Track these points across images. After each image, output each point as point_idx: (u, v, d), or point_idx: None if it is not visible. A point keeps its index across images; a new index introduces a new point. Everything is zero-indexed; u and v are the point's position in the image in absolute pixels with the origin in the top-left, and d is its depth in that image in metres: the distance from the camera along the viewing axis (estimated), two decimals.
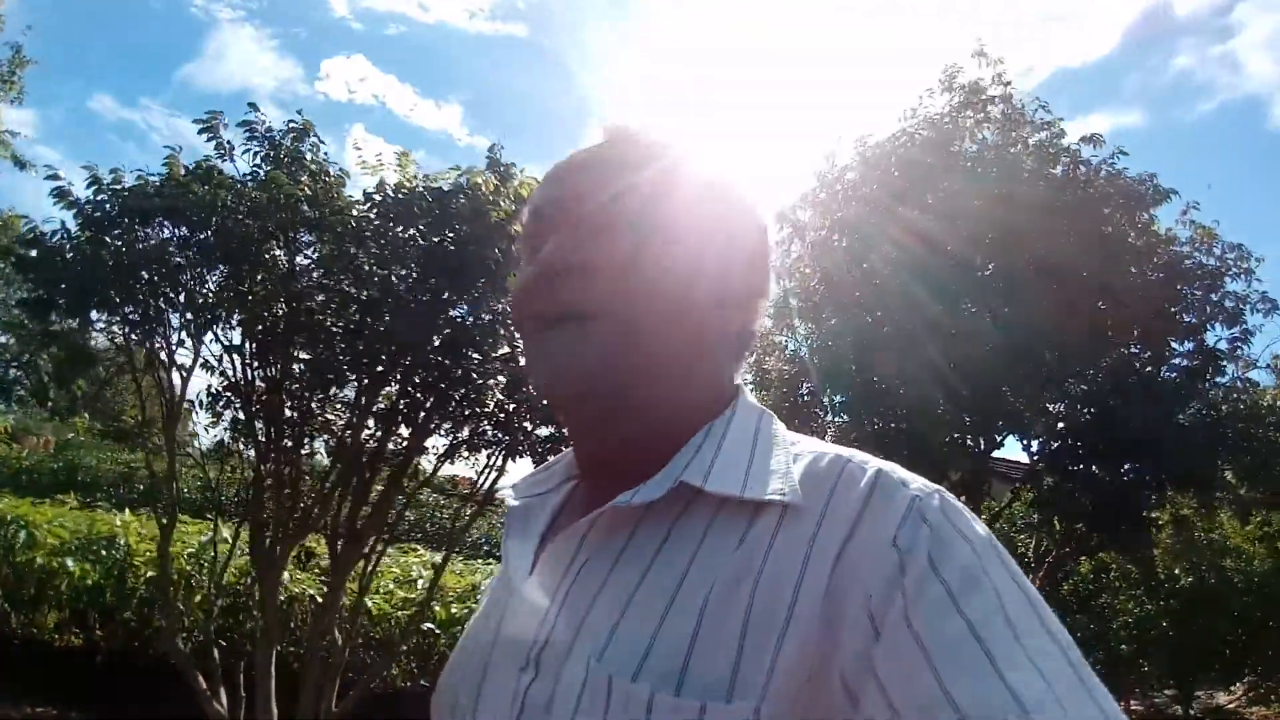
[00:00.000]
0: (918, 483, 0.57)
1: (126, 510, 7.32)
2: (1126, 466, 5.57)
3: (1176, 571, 7.94)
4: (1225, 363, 6.11)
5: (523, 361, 0.76)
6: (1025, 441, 5.80)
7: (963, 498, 5.93)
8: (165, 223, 3.54)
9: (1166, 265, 6.04)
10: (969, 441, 5.55)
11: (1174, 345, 6.01)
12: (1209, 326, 6.03)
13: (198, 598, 5.74)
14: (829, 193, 5.54)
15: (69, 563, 5.68)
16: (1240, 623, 7.90)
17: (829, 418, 6.04)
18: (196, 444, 5.80)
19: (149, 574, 5.78)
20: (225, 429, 4.49)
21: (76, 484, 10.73)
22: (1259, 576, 7.85)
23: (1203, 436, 5.72)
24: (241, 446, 4.48)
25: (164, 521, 4.04)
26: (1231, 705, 8.56)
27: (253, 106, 3.41)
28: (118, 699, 5.35)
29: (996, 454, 6.01)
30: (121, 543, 5.96)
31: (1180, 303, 5.99)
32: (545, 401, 0.78)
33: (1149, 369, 5.84)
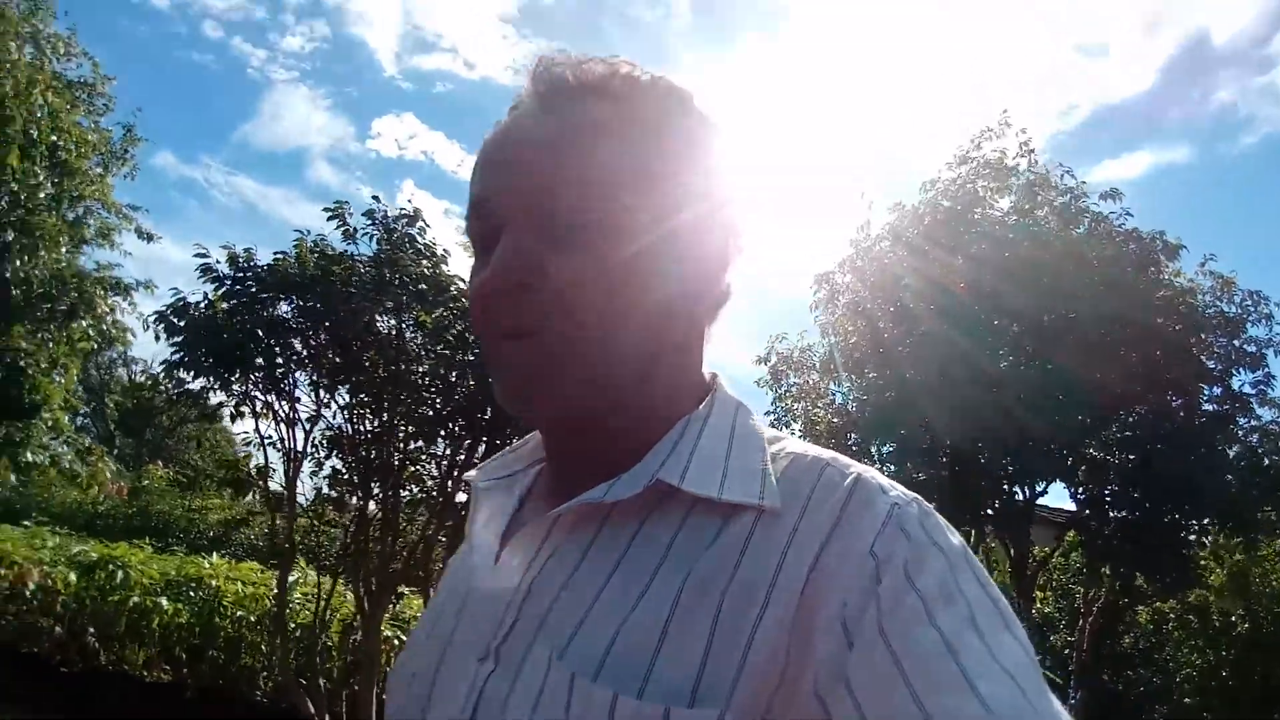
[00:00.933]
0: (896, 491, 0.56)
1: (214, 555, 7.82)
2: (1168, 509, 5.78)
3: (1233, 619, 7.89)
4: (1254, 405, 6.35)
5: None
6: (1070, 488, 6.03)
7: (1008, 542, 6.15)
8: (293, 296, 4.07)
9: (1186, 315, 6.34)
10: (1011, 489, 5.81)
11: (1204, 390, 6.26)
12: (1234, 372, 6.30)
13: (278, 640, 6.16)
14: (864, 259, 6.00)
15: (163, 602, 6.00)
16: None
17: (879, 469, 6.33)
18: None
19: (236, 613, 6.20)
20: (324, 479, 4.96)
21: (150, 529, 10.95)
22: None
23: (1240, 478, 5.92)
24: (335, 494, 4.95)
25: (281, 565, 4.47)
26: None
27: (376, 199, 3.98)
28: None
29: (1040, 501, 6.23)
30: (210, 584, 6.28)
31: (1204, 350, 6.26)
32: (513, 414, 0.64)
33: (1182, 414, 6.08)
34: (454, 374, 4.26)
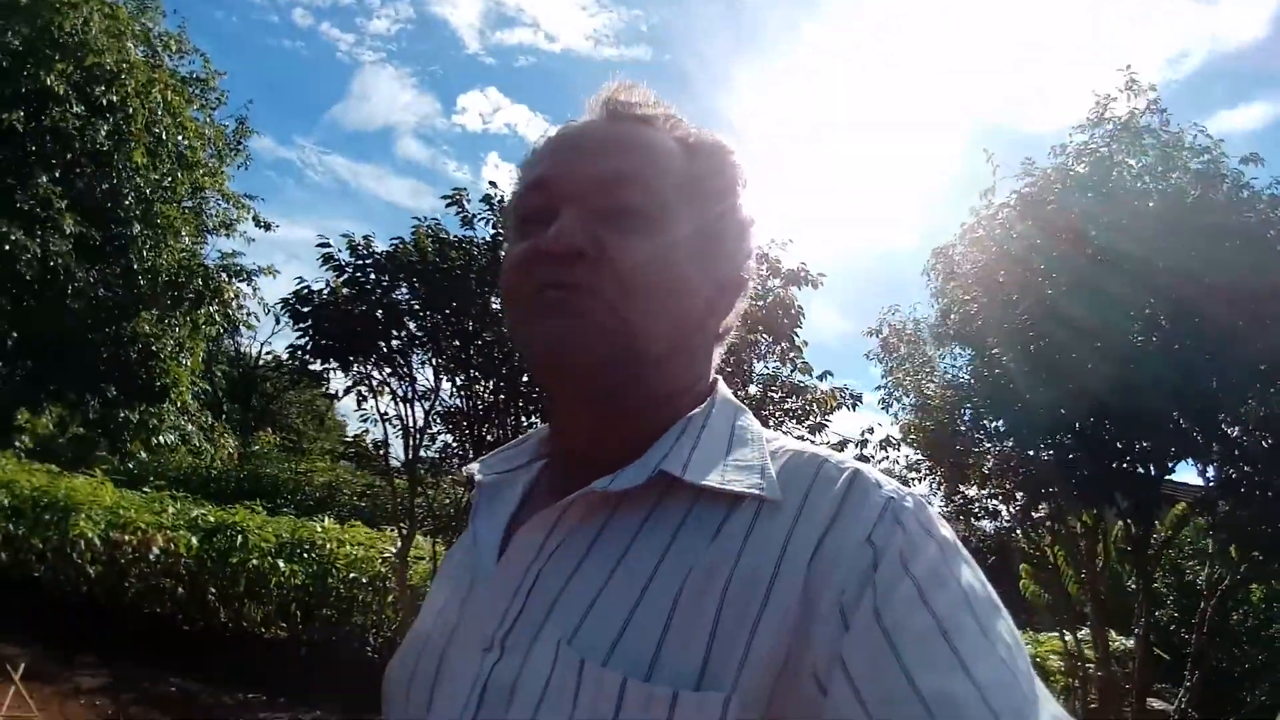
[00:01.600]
0: (891, 484, 0.58)
1: (325, 518, 8.10)
2: None
3: None
4: None
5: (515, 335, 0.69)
6: (1201, 466, 5.66)
7: (1131, 524, 5.83)
8: (413, 281, 4.18)
9: None
10: (1139, 469, 5.49)
11: None
12: None
13: (390, 596, 6.40)
14: (986, 229, 5.70)
15: (280, 563, 6.39)
16: None
17: (991, 445, 6.09)
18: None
19: (349, 575, 6.45)
20: (435, 452, 5.11)
21: (260, 491, 11.59)
22: None
23: None
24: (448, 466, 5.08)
25: (404, 532, 4.65)
26: None
27: (493, 185, 4.01)
28: (317, 687, 5.91)
29: (1169, 478, 5.88)
30: (323, 546, 6.62)
31: None
32: (543, 372, 0.64)
33: None
34: None
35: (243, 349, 24.93)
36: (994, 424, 5.75)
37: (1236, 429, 5.69)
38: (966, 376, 5.90)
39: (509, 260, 0.68)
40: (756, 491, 0.58)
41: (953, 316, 5.63)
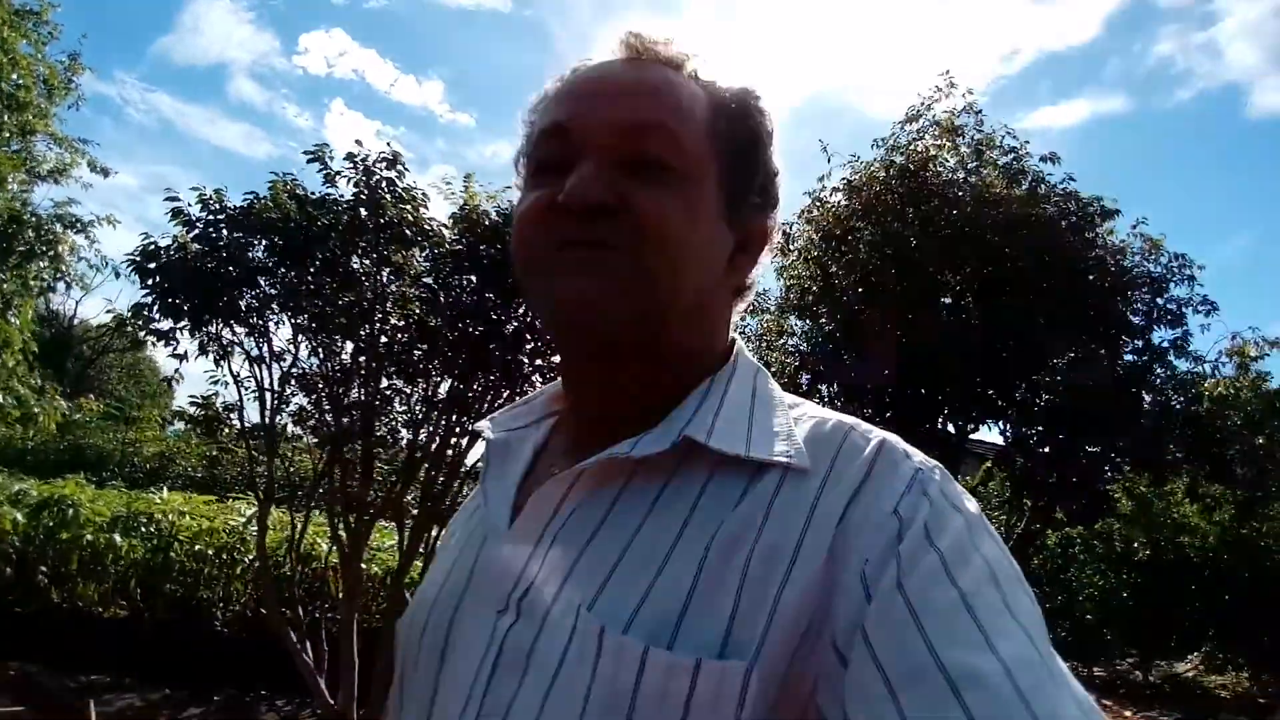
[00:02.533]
0: (919, 456, 0.57)
1: (162, 490, 7.68)
2: (1086, 447, 6.33)
3: (1135, 545, 8.69)
4: (1171, 358, 6.91)
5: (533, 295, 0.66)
6: (1001, 426, 6.54)
7: None
8: (272, 238, 4.10)
9: (1116, 273, 6.81)
10: (948, 427, 6.28)
11: (1126, 343, 6.79)
12: (1155, 327, 6.83)
13: (239, 569, 6.22)
14: (820, 211, 6.28)
15: (116, 538, 6.01)
16: (1197, 595, 8.45)
17: (827, 406, 6.74)
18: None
19: (194, 547, 6.16)
20: (289, 415, 5.02)
21: (84, 463, 10.86)
22: (1212, 551, 8.47)
23: (1153, 422, 6.49)
24: (300, 432, 5.03)
25: (261, 500, 4.59)
26: (1189, 673, 9.05)
27: (358, 143, 4.02)
28: (164, 666, 5.70)
29: (972, 436, 6.74)
30: (164, 519, 6.33)
31: (1129, 306, 6.77)
32: (564, 331, 0.63)
33: (1105, 363, 6.59)
34: (432, 318, 4.39)
35: (54, 306, 22.52)
36: (829, 389, 6.38)
37: (1029, 392, 6.60)
38: (804, 345, 6.50)
39: (522, 211, 0.64)
40: (784, 459, 0.56)
41: (791, 293, 6.20)
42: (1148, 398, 6.80)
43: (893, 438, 0.58)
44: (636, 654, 0.51)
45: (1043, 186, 6.87)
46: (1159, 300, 6.90)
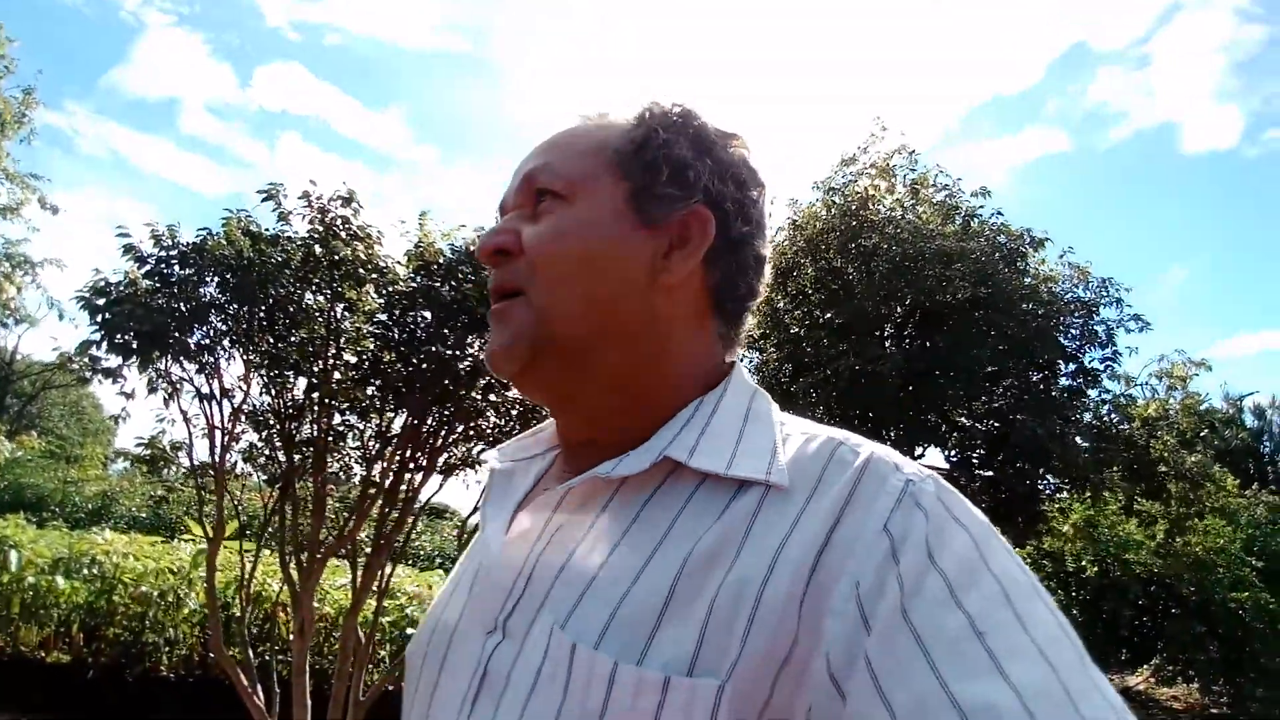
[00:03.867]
0: (911, 467, 0.54)
1: (105, 530, 7.49)
2: (1025, 469, 6.59)
3: (1084, 564, 8.97)
4: (1103, 379, 7.28)
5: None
6: (943, 451, 6.79)
7: None
8: (225, 275, 4.15)
9: (1048, 300, 7.18)
10: None
11: (1060, 366, 7.14)
12: (1087, 350, 7.19)
13: (185, 611, 6.11)
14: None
15: (59, 580, 5.86)
16: (1144, 611, 8.66)
17: None
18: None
19: (141, 589, 5.98)
20: (239, 453, 5.00)
21: (23, 503, 10.56)
22: (1157, 568, 8.68)
23: (1089, 442, 6.80)
24: (250, 470, 5.01)
25: (210, 537, 4.53)
26: (1141, 687, 9.25)
27: (313, 182, 4.12)
28: (109, 712, 5.55)
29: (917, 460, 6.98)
30: (108, 560, 6.17)
31: (1062, 330, 7.13)
32: (496, 377, 0.74)
33: (1041, 387, 6.91)
34: (386, 354, 4.45)
35: None
36: None
37: (969, 418, 6.88)
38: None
39: None
40: (763, 477, 0.55)
41: None
42: (1086, 417, 7.13)
43: (882, 450, 0.56)
44: (606, 670, 0.50)
45: (975, 221, 7.25)
46: (1089, 323, 7.28)
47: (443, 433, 4.73)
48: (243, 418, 4.58)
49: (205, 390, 4.38)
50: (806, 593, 0.49)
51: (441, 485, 4.94)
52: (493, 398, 4.66)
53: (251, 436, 4.85)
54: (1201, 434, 7.91)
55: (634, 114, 0.67)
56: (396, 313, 4.41)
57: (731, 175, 0.66)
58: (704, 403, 0.62)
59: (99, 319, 4.20)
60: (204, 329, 4.11)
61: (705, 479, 0.57)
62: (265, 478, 5.09)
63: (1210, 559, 8.22)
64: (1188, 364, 7.88)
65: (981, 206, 7.21)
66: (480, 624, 0.60)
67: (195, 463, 4.67)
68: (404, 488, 4.81)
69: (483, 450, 4.84)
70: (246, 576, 4.88)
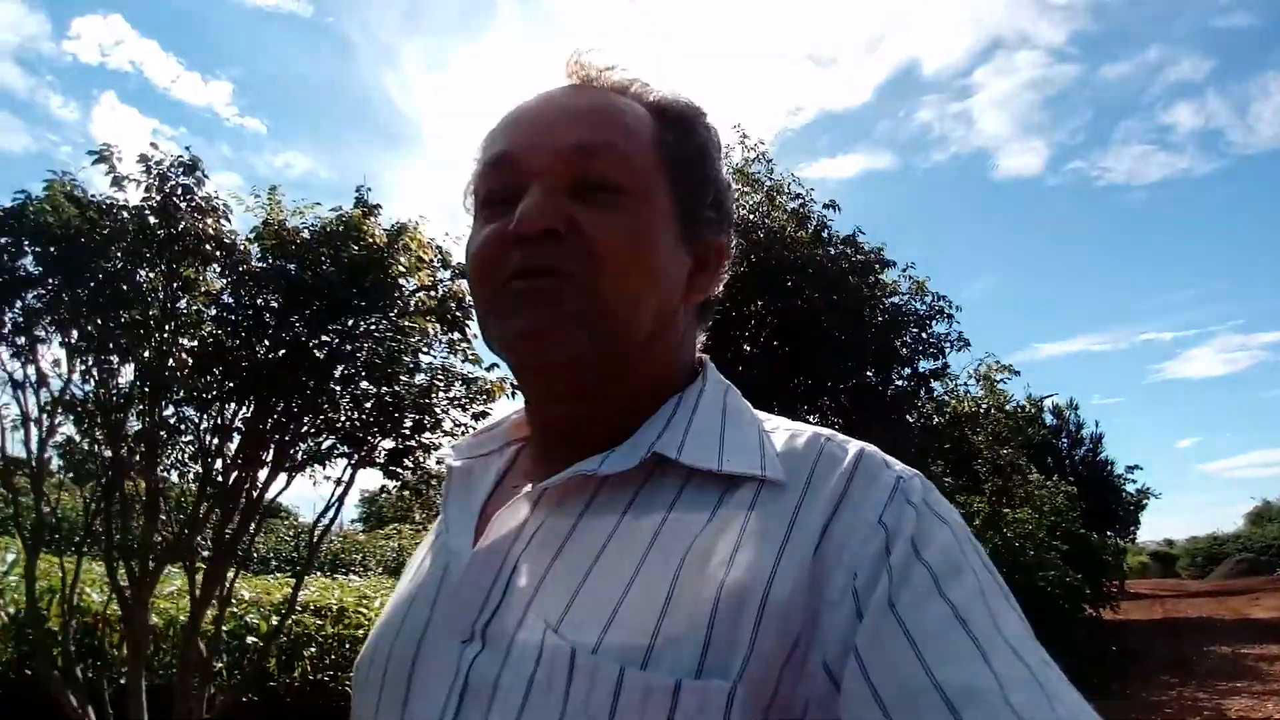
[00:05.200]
0: (899, 465, 0.56)
1: None
2: None
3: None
4: (934, 384, 8.02)
5: (481, 326, 0.64)
6: None
7: None
8: (48, 246, 3.70)
9: (890, 311, 7.80)
10: None
11: (897, 370, 7.78)
12: (920, 357, 7.89)
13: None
14: None
15: None
16: None
17: None
18: None
19: None
20: (55, 448, 4.51)
21: None
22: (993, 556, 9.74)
23: (919, 438, 7.46)
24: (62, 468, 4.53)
25: (29, 545, 4.03)
26: None
27: (154, 145, 3.77)
28: None
29: None
30: None
31: (900, 339, 7.78)
32: (521, 371, 0.63)
33: (880, 389, 7.49)
34: (228, 339, 4.15)
35: None
36: None
37: (816, 418, 7.35)
38: None
39: (473, 247, 0.62)
40: (758, 473, 0.55)
41: None
42: (910, 419, 7.79)
43: (870, 448, 0.57)
44: (612, 676, 0.48)
45: (826, 231, 7.76)
46: (923, 335, 7.97)
47: (291, 426, 4.48)
48: (61, 408, 4.15)
49: (19, 376, 3.94)
50: (809, 586, 0.49)
51: (288, 483, 4.68)
52: (353, 389, 4.47)
53: (70, 429, 4.41)
54: (1011, 430, 8.85)
55: (675, 108, 0.66)
56: (243, 294, 4.14)
57: (731, 199, 0.70)
58: (684, 398, 0.62)
59: None
60: (18, 307, 3.69)
61: (692, 475, 0.56)
62: (83, 477, 4.63)
63: (1021, 544, 9.20)
64: (996, 366, 8.80)
65: (833, 219, 7.71)
66: (453, 632, 0.56)
67: (7, 456, 4.17)
68: (246, 487, 4.53)
69: (333, 446, 4.65)
70: (69, 586, 4.43)
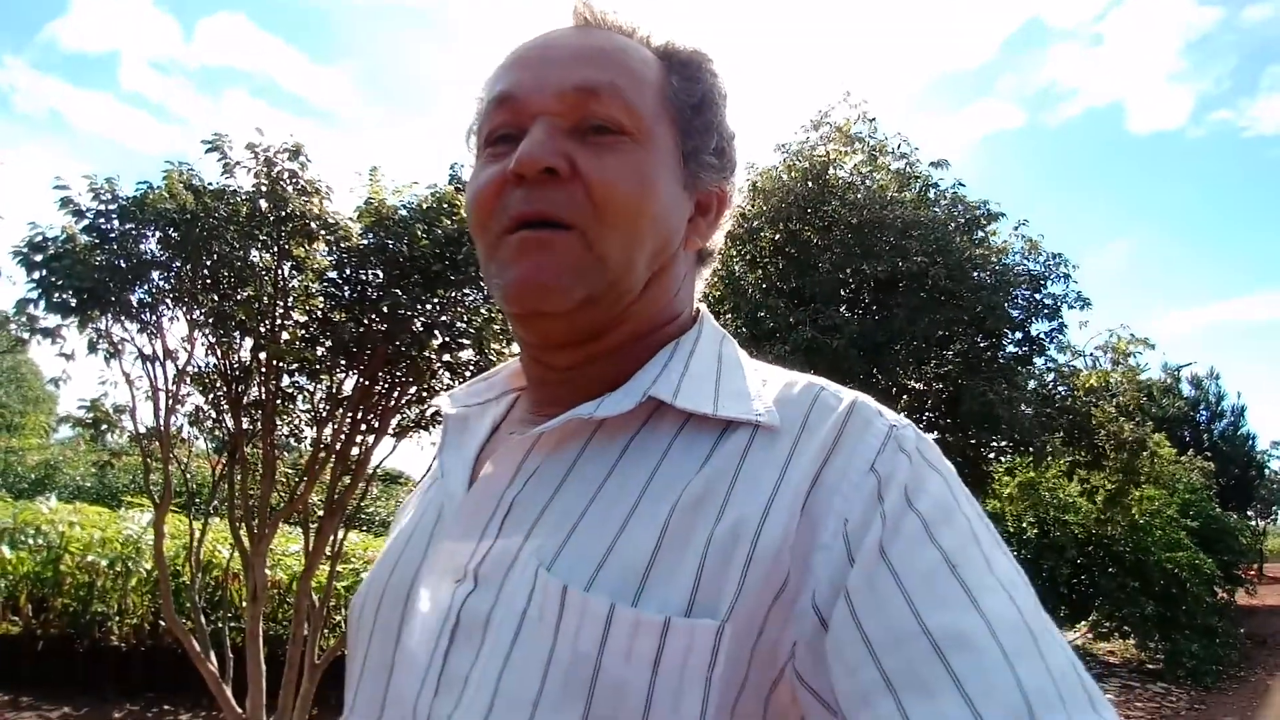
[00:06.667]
0: (891, 414, 0.56)
1: (53, 498, 7.36)
2: (972, 434, 6.81)
3: (1024, 524, 9.35)
4: (1049, 349, 7.53)
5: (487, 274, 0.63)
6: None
7: None
8: (167, 230, 3.99)
9: (999, 271, 7.36)
10: None
11: (1007, 334, 7.35)
12: (1034, 320, 7.42)
13: (134, 580, 5.98)
14: None
15: (5, 550, 5.74)
16: (1082, 569, 9.12)
17: None
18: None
19: (88, 558, 5.89)
20: (185, 416, 4.87)
21: None
22: (1094, 528, 9.10)
23: (1034, 409, 7.04)
24: (195, 435, 4.90)
25: (157, 504, 4.43)
26: (1078, 641, 9.59)
27: (260, 131, 3.97)
28: (59, 682, 5.49)
29: None
30: (53, 530, 6.05)
31: (1011, 301, 7.33)
32: (520, 319, 0.61)
33: (988, 355, 7.11)
34: (336, 313, 4.37)
35: None
36: None
37: (920, 384, 7.06)
38: None
39: (474, 189, 0.61)
40: (754, 418, 0.55)
41: None
42: (1031, 384, 7.36)
43: (864, 397, 0.57)
44: (602, 612, 0.49)
45: (932, 191, 7.37)
46: (1037, 295, 7.49)
47: (395, 394, 4.69)
48: (188, 380, 4.48)
49: (148, 351, 4.26)
50: (800, 529, 0.50)
51: (394, 448, 4.92)
52: (447, 358, 4.62)
53: (197, 399, 4.75)
54: (1140, 404, 8.24)
55: (682, 53, 0.66)
56: (347, 270, 4.33)
57: (735, 147, 0.68)
58: (680, 344, 0.62)
59: (36, 276, 4.05)
60: (145, 287, 3.99)
61: (688, 420, 0.57)
62: (213, 443, 5.01)
63: (1147, 522, 8.62)
64: (1131, 340, 8.16)
65: (942, 178, 7.32)
66: (446, 572, 0.57)
67: (140, 428, 4.55)
68: (355, 450, 4.78)
69: (436, 412, 4.82)
70: (196, 543, 4.81)
